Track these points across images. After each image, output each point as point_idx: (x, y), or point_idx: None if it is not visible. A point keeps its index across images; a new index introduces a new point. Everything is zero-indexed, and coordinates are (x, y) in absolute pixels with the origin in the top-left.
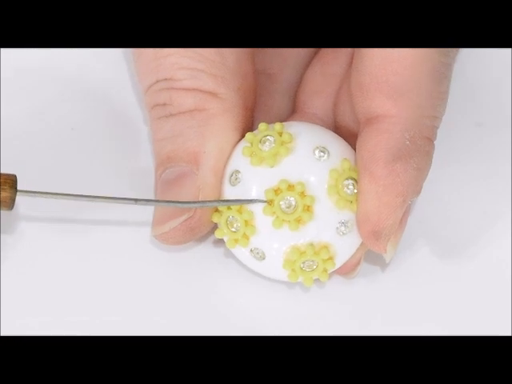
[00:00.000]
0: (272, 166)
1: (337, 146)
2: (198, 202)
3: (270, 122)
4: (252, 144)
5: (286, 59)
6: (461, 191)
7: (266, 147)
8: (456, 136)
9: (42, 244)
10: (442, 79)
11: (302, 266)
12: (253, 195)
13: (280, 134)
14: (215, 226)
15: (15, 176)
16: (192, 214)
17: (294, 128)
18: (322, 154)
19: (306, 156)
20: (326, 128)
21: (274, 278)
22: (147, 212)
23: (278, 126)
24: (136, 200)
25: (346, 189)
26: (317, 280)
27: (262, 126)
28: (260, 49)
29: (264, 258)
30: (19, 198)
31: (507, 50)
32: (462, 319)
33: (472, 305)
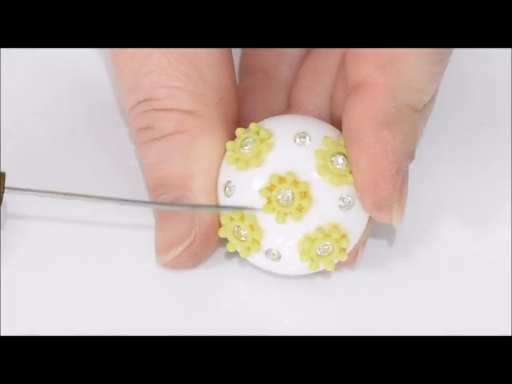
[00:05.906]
0: (258, 166)
1: (316, 128)
2: (194, 205)
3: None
4: (234, 151)
5: (282, 56)
6: (461, 191)
7: (248, 149)
8: (456, 136)
9: (42, 244)
10: (439, 61)
11: (318, 252)
12: (248, 199)
13: (257, 133)
14: (226, 241)
15: (4, 173)
16: (192, 239)
17: (270, 124)
18: (302, 139)
19: (288, 146)
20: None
21: (294, 274)
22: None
23: (253, 126)
24: (126, 200)
25: (335, 164)
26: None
27: (238, 131)
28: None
29: (280, 257)
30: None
31: (507, 50)
32: (461, 319)
33: (472, 305)
